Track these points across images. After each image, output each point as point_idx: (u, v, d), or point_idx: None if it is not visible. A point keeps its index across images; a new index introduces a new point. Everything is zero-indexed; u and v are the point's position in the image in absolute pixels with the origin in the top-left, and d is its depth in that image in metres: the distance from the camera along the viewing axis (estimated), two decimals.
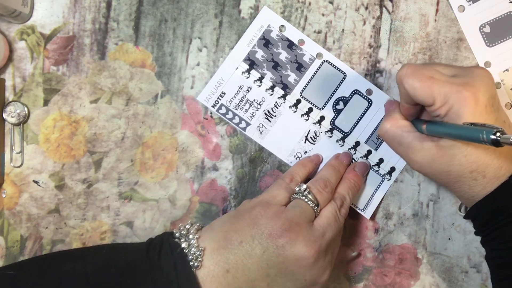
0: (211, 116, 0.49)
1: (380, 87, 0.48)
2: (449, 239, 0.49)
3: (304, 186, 0.42)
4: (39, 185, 0.48)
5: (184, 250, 0.38)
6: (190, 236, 0.39)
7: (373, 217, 0.49)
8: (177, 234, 0.40)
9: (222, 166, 0.49)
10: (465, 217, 0.42)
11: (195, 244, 0.39)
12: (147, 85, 0.48)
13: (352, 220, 0.49)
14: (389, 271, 0.49)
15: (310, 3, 0.48)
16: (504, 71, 0.48)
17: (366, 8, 0.48)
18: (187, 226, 0.41)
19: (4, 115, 0.48)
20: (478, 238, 0.42)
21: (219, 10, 0.48)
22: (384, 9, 0.48)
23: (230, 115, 0.48)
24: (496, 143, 0.33)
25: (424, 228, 0.49)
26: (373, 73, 0.48)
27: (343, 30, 0.48)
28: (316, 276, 0.40)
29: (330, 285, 0.49)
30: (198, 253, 0.38)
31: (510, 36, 0.48)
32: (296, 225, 0.39)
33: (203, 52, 0.48)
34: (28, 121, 0.48)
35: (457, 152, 0.38)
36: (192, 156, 0.49)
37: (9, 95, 0.48)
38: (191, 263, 0.38)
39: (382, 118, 0.48)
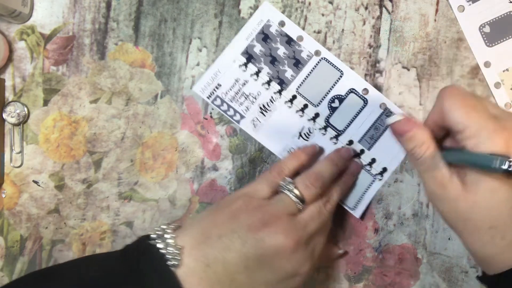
0: (211, 116, 0.49)
1: (379, 87, 0.48)
2: (449, 239, 0.49)
3: (290, 181, 0.42)
4: (39, 185, 0.48)
5: (162, 251, 0.38)
6: (167, 236, 0.39)
7: (363, 216, 0.49)
8: (153, 236, 0.39)
9: (222, 166, 0.49)
10: (480, 280, 0.39)
11: (172, 243, 0.38)
12: (147, 85, 0.48)
13: (352, 220, 0.49)
14: (389, 271, 0.49)
15: (310, 3, 0.48)
16: (504, 71, 0.48)
17: (366, 8, 0.48)
18: (163, 227, 0.40)
19: (4, 115, 0.48)
20: None
21: (219, 10, 0.48)
22: (384, 9, 0.48)
23: (224, 107, 0.48)
24: (508, 172, 0.33)
25: (424, 228, 0.49)
26: (373, 73, 0.48)
27: (343, 30, 0.48)
28: (296, 268, 0.39)
29: (330, 285, 0.49)
30: (176, 251, 0.37)
31: (510, 36, 0.48)
32: (276, 219, 0.39)
33: (203, 52, 0.48)
34: (28, 121, 0.48)
35: (480, 200, 0.36)
36: (192, 156, 0.49)
37: (9, 95, 0.48)
38: (170, 263, 0.37)
39: (378, 118, 0.48)
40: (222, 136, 0.49)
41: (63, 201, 0.49)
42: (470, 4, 0.48)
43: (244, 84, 0.48)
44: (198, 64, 0.49)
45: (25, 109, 0.48)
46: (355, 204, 0.48)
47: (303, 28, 0.48)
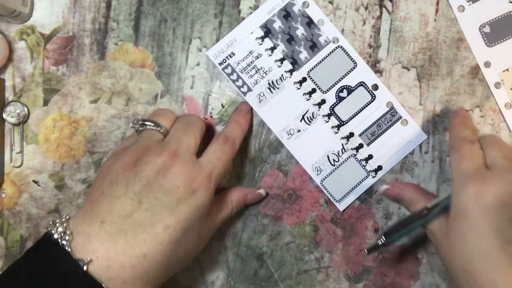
0: (211, 116, 0.49)
1: None
2: None
3: (139, 118, 0.44)
4: (39, 185, 0.48)
5: (53, 235, 0.36)
6: (57, 221, 0.38)
7: (345, 210, 0.49)
8: (49, 229, 0.38)
9: None
10: None
11: (59, 224, 0.37)
12: (147, 85, 0.48)
13: (351, 220, 0.49)
14: (389, 271, 0.49)
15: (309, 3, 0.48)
16: (504, 71, 0.48)
17: (366, 8, 0.48)
18: (53, 218, 0.39)
19: (4, 115, 0.48)
20: None
21: (219, 10, 0.48)
22: (384, 9, 0.48)
23: (234, 77, 0.48)
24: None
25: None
26: (373, 73, 0.48)
27: (343, 30, 0.48)
28: (188, 180, 0.39)
29: (330, 285, 0.49)
30: (62, 230, 0.36)
31: (510, 36, 0.48)
32: (145, 149, 0.40)
33: (203, 52, 0.48)
34: (28, 121, 0.48)
35: (454, 244, 0.39)
36: None
37: (9, 95, 0.48)
38: (62, 242, 0.36)
39: (383, 116, 0.48)
40: None
41: (63, 201, 0.49)
42: (470, 4, 0.48)
43: (258, 57, 0.48)
44: (198, 64, 0.49)
45: (25, 109, 0.48)
46: (342, 197, 0.48)
47: None
